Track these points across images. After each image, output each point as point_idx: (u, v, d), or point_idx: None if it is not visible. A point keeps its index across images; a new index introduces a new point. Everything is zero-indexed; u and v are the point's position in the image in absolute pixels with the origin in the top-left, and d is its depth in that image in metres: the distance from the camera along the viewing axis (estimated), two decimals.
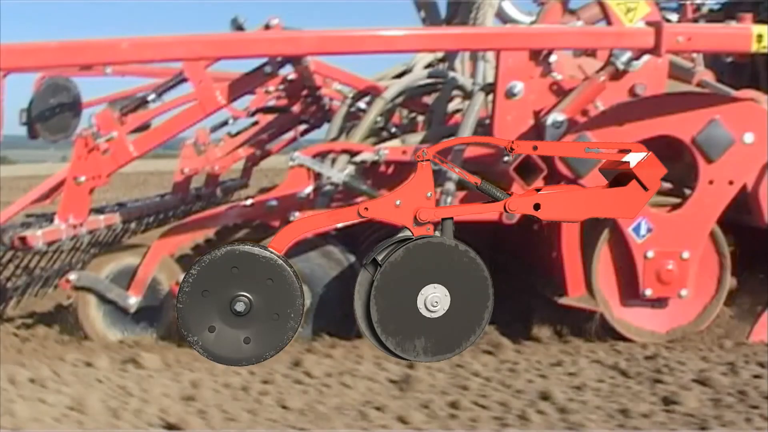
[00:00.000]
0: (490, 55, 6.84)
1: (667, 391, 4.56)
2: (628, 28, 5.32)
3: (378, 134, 6.95)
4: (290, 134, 10.75)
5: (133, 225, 7.80)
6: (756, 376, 4.81)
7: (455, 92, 7.00)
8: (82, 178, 6.22)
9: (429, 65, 7.67)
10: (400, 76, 7.89)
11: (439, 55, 7.84)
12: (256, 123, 9.67)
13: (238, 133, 9.89)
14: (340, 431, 4.06)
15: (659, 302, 5.62)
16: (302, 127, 10.26)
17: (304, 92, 8.04)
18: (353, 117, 7.35)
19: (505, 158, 5.55)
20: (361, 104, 7.54)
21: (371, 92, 7.04)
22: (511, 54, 5.82)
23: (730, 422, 4.08)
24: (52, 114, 9.63)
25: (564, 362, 5.15)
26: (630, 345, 5.52)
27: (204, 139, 9.19)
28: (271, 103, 9.22)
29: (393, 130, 7.38)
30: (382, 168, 6.32)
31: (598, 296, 5.61)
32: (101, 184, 6.37)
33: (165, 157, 21.32)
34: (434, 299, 5.38)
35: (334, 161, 6.05)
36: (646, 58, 5.80)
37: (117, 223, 7.16)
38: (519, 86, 5.81)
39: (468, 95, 6.77)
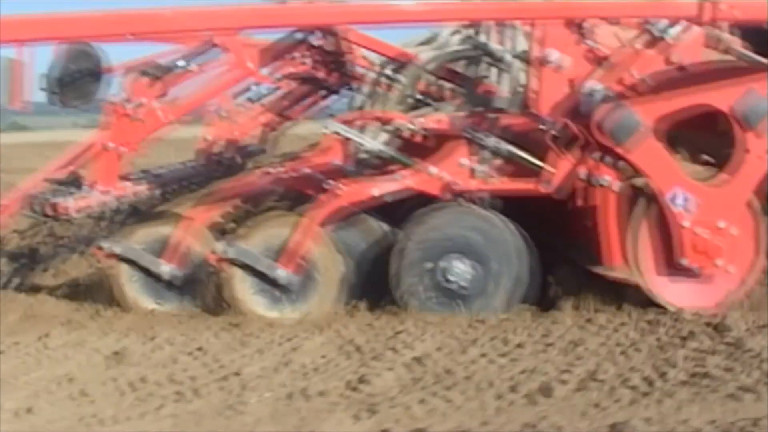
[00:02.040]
0: (519, 23, 6.78)
1: None
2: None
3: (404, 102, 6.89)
4: (309, 100, 10.67)
5: (158, 192, 7.76)
6: None
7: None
8: (112, 145, 6.20)
9: (455, 32, 7.59)
10: (425, 43, 7.84)
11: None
12: (277, 89, 9.61)
13: (258, 99, 9.84)
14: None
15: (695, 271, 5.59)
16: (322, 93, 10.18)
17: (330, 59, 7.96)
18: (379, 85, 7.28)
19: (542, 127, 5.51)
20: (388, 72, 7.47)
21: (401, 60, 6.98)
22: (546, 22, 5.76)
23: None
24: (74, 80, 9.57)
25: None
26: None
27: (227, 106, 9.14)
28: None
29: (419, 97, 7.31)
30: (413, 136, 6.26)
31: (633, 266, 5.58)
32: (131, 151, 6.34)
33: None
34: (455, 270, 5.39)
35: (363, 129, 6.02)
36: (683, 25, 5.74)
37: (144, 191, 7.13)
38: (555, 54, 5.74)
39: (499, 62, 6.71)
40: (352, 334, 5.06)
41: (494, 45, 6.78)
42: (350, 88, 9.55)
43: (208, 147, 8.96)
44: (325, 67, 7.97)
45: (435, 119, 5.79)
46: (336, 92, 10.19)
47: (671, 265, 5.57)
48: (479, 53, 6.71)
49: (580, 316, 5.39)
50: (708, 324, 5.07)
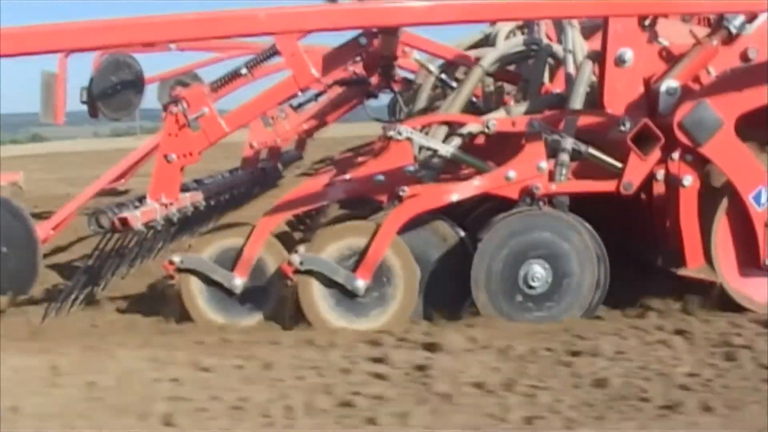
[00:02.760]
0: (576, 21, 6.68)
1: None
2: None
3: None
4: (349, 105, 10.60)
5: (212, 202, 7.69)
6: None
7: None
8: (173, 156, 6.09)
9: (511, 32, 7.51)
10: (477, 45, 7.74)
11: (520, 21, 7.67)
12: (319, 94, 9.55)
13: (299, 105, 9.77)
14: None
15: None
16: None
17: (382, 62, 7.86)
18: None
19: (621, 127, 5.40)
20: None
21: (461, 62, 6.90)
22: (619, 20, 5.66)
23: None
24: (114, 92, 9.51)
25: None
26: None
27: (272, 112, 9.07)
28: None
29: (473, 100, 7.22)
30: (478, 140, 6.16)
31: (717, 267, 5.47)
32: (193, 161, 6.23)
33: None
34: (536, 275, 5.29)
35: (427, 133, 5.93)
36: (759, 21, 5.65)
37: (200, 201, 7.05)
38: (629, 53, 5.64)
39: (561, 63, 6.62)
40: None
41: (555, 44, 6.71)
42: (393, 92, 9.48)
43: (255, 155, 8.90)
44: (375, 71, 7.86)
45: (510, 121, 5.68)
46: (376, 96, 10.13)
47: (755, 265, 5.47)
48: (540, 53, 6.63)
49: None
50: None
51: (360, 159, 8.36)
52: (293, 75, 6.13)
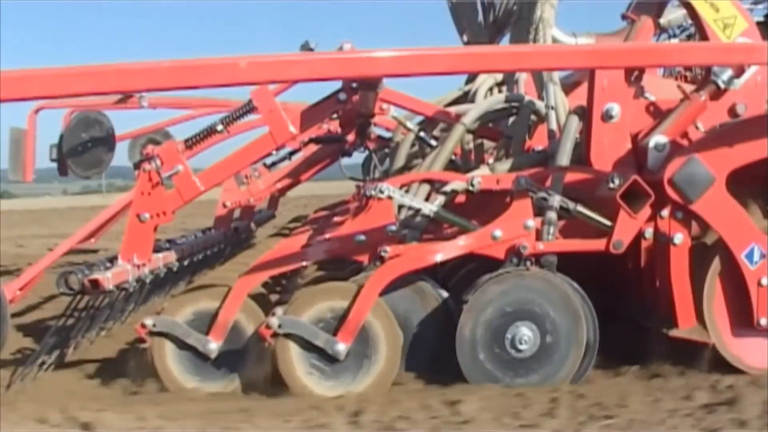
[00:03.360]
0: (557, 77, 6.59)
1: None
2: (751, 44, 5.06)
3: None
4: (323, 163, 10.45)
5: (185, 263, 7.46)
6: None
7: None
8: (146, 216, 5.87)
9: (490, 89, 7.41)
10: (456, 102, 7.64)
11: (499, 78, 7.58)
12: (294, 152, 9.38)
13: (273, 164, 9.60)
14: None
15: None
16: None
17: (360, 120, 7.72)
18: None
19: (610, 184, 5.25)
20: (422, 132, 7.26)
21: (440, 119, 6.77)
22: (605, 75, 5.55)
23: None
24: (85, 149, 9.29)
25: None
26: None
27: (246, 171, 8.89)
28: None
29: (452, 158, 7.07)
30: (458, 199, 6.00)
31: (710, 327, 5.31)
32: (167, 220, 6.01)
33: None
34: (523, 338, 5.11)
35: (407, 191, 5.78)
36: (747, 75, 5.56)
37: (173, 262, 6.83)
38: (616, 108, 5.53)
39: (542, 119, 6.52)
40: None
41: (537, 101, 6.60)
42: (368, 150, 9.34)
43: (228, 214, 8.69)
44: (351, 128, 7.70)
45: (495, 179, 5.53)
46: (350, 154, 9.99)
47: (748, 325, 5.31)
48: (523, 109, 6.52)
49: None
50: None
51: (336, 218, 8.21)
52: (270, 131, 5.95)
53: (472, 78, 8.14)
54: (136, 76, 4.42)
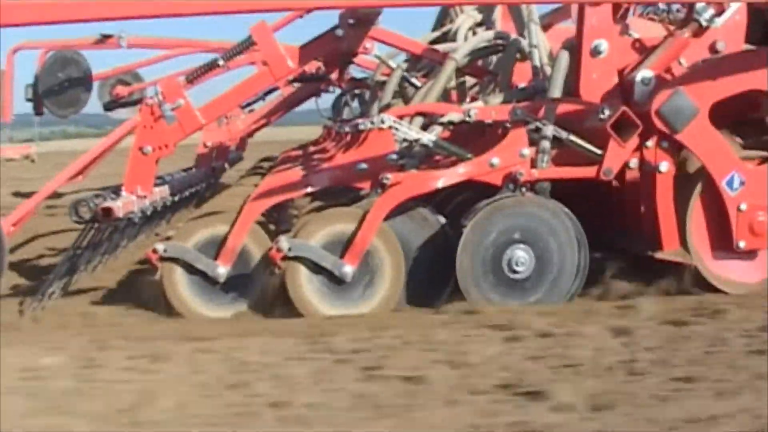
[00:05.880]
0: (537, 17, 6.84)
1: None
2: None
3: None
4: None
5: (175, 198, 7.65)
6: None
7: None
8: (149, 148, 6.07)
9: (471, 28, 7.64)
10: (435, 42, 7.85)
11: (478, 18, 7.81)
12: (269, 92, 9.54)
13: (248, 105, 9.77)
14: None
15: (751, 254, 5.70)
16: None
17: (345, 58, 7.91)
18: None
19: (601, 115, 5.56)
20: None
21: (428, 56, 7.01)
22: (594, 12, 5.84)
23: None
24: (61, 89, 9.39)
25: None
26: None
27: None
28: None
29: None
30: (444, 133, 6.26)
31: (692, 250, 5.66)
32: (168, 153, 6.22)
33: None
34: (519, 260, 5.44)
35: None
36: (727, 15, 5.87)
37: (167, 197, 7.03)
38: (604, 44, 5.82)
39: (525, 58, 6.77)
40: None
41: (522, 40, 6.86)
42: (342, 90, 9.56)
43: (209, 153, 8.86)
44: (335, 67, 7.91)
45: (490, 110, 5.81)
46: (319, 95, 10.19)
47: (728, 248, 5.67)
48: (510, 46, 6.78)
49: None
50: None
51: (317, 155, 8.43)
52: (269, 67, 6.16)
53: (440, 21, 8.36)
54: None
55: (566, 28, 8.14)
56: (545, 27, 7.13)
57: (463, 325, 5.01)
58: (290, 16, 6.46)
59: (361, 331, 4.96)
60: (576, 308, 5.40)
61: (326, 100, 10.99)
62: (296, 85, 9.33)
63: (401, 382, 3.97)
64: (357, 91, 10.14)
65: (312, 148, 9.86)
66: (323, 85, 9.40)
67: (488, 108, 5.87)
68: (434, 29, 8.34)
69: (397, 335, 4.83)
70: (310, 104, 10.83)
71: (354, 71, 9.67)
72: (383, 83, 8.01)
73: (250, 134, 11.22)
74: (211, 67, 6.27)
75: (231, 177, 11.34)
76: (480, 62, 7.20)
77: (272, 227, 6.63)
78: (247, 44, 6.19)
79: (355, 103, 10.18)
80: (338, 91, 10.36)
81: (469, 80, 7.58)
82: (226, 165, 9.95)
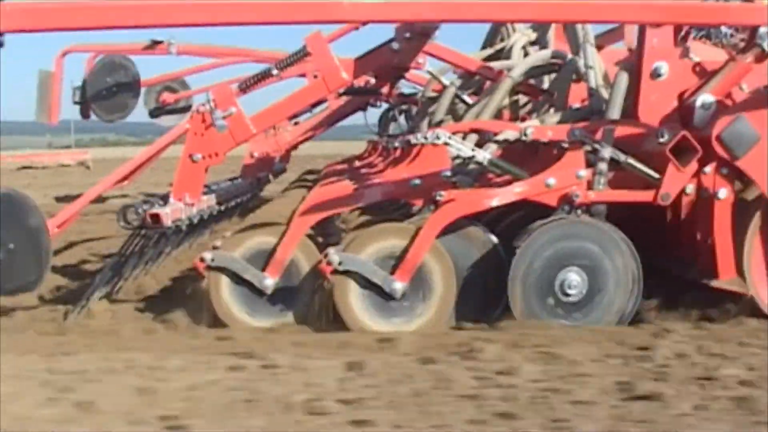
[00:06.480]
0: (593, 38, 6.76)
1: None
2: None
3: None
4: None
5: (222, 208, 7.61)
6: None
7: None
8: (198, 156, 6.04)
9: (524, 46, 7.58)
10: (490, 58, 7.79)
11: (532, 37, 7.75)
12: (316, 104, 9.51)
13: (295, 116, 9.74)
14: None
15: None
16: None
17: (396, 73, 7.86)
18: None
19: (660, 138, 5.47)
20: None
21: (483, 73, 6.95)
22: (655, 34, 5.76)
23: None
24: (109, 93, 9.38)
25: None
26: None
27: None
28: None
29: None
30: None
31: (748, 279, 5.55)
32: (217, 162, 6.18)
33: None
34: (572, 283, 5.33)
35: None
36: None
37: (214, 206, 7.00)
38: (665, 66, 5.74)
39: (581, 78, 6.69)
40: None
41: (577, 59, 6.78)
42: (389, 105, 9.50)
43: (256, 164, 8.84)
44: (386, 81, 7.86)
45: (546, 130, 5.73)
46: (365, 109, 10.15)
47: None
48: (566, 66, 6.70)
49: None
50: None
51: (364, 169, 8.37)
52: (323, 78, 6.12)
53: (490, 39, 8.30)
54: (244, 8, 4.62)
55: (617, 50, 8.09)
56: (596, 48, 7.06)
57: None
58: (346, 27, 6.43)
59: None
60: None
61: (372, 114, 10.98)
62: (345, 98, 9.31)
63: None
64: (404, 107, 10.11)
65: (358, 163, 9.80)
66: (372, 99, 9.35)
67: (545, 127, 5.79)
68: (484, 47, 8.29)
69: None
70: (348, 119, 10.85)
71: (402, 86, 9.64)
72: (433, 99, 7.98)
73: (296, 146, 11.19)
74: (264, 76, 6.23)
75: (271, 190, 11.30)
76: (533, 81, 7.12)
77: (320, 240, 6.57)
78: (302, 54, 6.15)
79: (402, 119, 10.15)
80: (384, 105, 10.39)
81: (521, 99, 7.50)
82: (271, 176, 9.91)
